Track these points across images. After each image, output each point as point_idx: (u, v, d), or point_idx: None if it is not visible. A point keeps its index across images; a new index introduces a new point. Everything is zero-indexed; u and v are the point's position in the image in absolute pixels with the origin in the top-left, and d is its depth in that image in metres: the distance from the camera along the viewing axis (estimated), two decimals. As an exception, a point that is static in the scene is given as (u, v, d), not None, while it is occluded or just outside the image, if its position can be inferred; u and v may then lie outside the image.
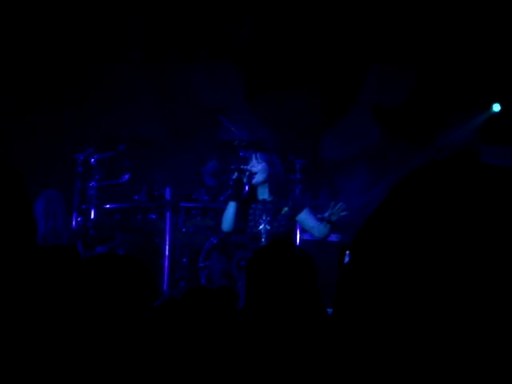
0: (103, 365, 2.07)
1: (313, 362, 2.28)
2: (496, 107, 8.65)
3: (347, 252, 0.89)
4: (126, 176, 7.59)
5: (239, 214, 6.15)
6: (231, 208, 6.07)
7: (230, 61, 8.87)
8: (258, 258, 2.86)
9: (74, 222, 7.42)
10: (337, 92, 9.15)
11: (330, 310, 5.50)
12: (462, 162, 0.85)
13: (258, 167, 6.03)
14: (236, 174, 6.08)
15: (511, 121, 8.59)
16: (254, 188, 6.10)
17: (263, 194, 6.10)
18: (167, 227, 7.58)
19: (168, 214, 7.59)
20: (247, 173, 6.01)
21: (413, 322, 0.79)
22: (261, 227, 6.04)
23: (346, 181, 9.36)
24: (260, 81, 9.05)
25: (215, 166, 8.18)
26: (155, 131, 8.67)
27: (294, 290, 2.72)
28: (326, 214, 5.87)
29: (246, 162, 6.13)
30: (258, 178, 6.03)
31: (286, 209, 6.01)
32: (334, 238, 7.86)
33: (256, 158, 6.07)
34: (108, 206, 7.71)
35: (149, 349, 2.26)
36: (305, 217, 6.01)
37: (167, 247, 7.58)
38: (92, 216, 7.52)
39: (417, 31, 8.76)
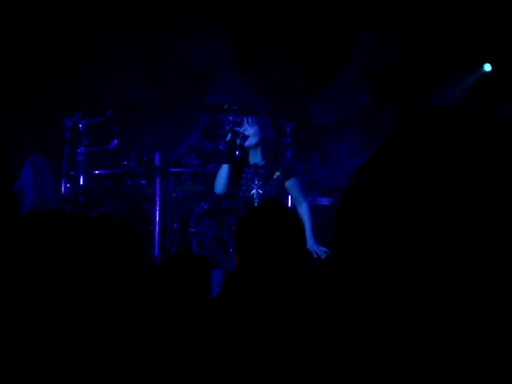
0: (90, 328, 2.04)
1: (305, 325, 2.27)
2: (487, 67, 8.61)
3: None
4: (115, 141, 7.52)
5: (231, 179, 6.10)
6: (224, 170, 6.02)
7: (217, 23, 8.78)
8: (247, 219, 2.83)
9: (63, 189, 7.37)
10: (326, 55, 9.08)
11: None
12: (454, 108, 0.83)
13: (250, 130, 5.97)
14: (229, 135, 6.03)
15: (502, 80, 8.55)
16: (245, 152, 6.04)
17: (255, 158, 6.03)
18: (157, 193, 7.53)
19: (158, 180, 7.53)
20: (240, 135, 5.95)
21: (409, 279, 0.75)
22: (253, 192, 6.00)
23: (336, 144, 9.33)
24: (248, 44, 8.96)
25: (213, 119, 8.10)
26: (143, 96, 8.60)
27: (284, 250, 2.70)
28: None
29: (238, 125, 6.07)
30: (250, 141, 5.97)
31: (277, 173, 5.96)
32: (325, 201, 7.85)
33: (248, 122, 6.00)
34: (97, 172, 7.65)
35: (134, 314, 2.23)
36: (292, 185, 5.93)
37: (157, 213, 7.54)
38: (81, 182, 7.46)
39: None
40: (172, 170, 7.66)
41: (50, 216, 2.50)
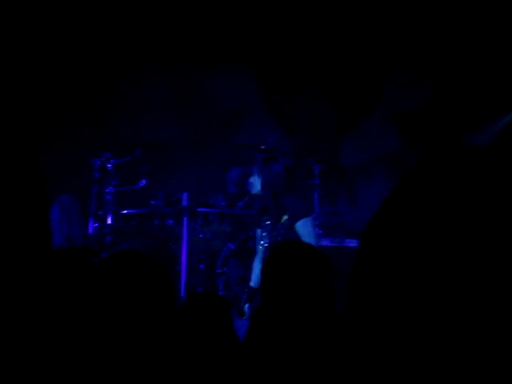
0: (115, 360, 2.03)
1: (324, 363, 2.24)
2: (517, 111, 8.58)
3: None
4: (143, 181, 7.55)
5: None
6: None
7: (247, 64, 8.84)
8: (273, 257, 2.81)
9: (90, 228, 7.39)
10: (355, 97, 9.09)
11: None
12: (469, 149, 0.82)
13: (253, 179, 6.00)
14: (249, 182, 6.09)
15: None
16: (254, 198, 6.12)
17: (266, 204, 5.98)
18: (184, 233, 7.53)
19: (185, 220, 7.54)
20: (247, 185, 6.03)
21: (425, 321, 0.74)
22: (264, 235, 5.94)
23: (364, 186, 9.30)
24: (277, 85, 9.01)
25: (240, 172, 8.14)
26: (172, 136, 8.65)
27: (309, 290, 2.67)
28: None
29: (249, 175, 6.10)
30: (252, 190, 6.01)
31: (285, 217, 5.88)
32: (353, 243, 7.80)
33: (255, 171, 6.03)
34: (125, 211, 7.67)
35: (161, 349, 2.22)
36: (302, 227, 5.78)
37: (184, 253, 7.53)
38: (109, 221, 7.48)
39: (434, 37, 8.70)
40: (199, 210, 7.67)
41: (79, 252, 2.51)
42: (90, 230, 7.38)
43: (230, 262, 7.71)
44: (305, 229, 5.79)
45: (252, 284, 6.04)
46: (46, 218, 1.08)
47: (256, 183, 5.97)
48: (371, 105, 9.19)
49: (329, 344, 2.40)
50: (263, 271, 2.80)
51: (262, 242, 5.86)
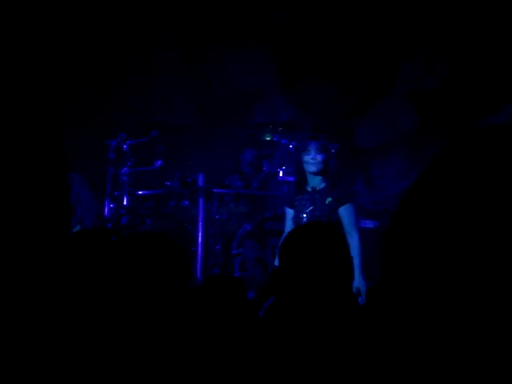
0: (134, 340, 2.04)
1: (340, 343, 2.23)
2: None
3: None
4: (159, 162, 7.54)
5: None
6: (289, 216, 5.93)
7: (263, 46, 8.80)
8: (292, 237, 2.80)
9: (106, 209, 7.39)
10: (372, 78, 9.03)
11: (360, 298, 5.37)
12: (504, 129, 0.80)
13: (318, 158, 5.82)
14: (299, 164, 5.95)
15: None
16: (304, 176, 5.93)
17: (314, 182, 5.86)
18: (200, 214, 7.53)
19: (201, 201, 7.54)
20: (309, 162, 5.83)
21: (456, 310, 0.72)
22: (303, 215, 5.86)
23: (381, 168, 9.25)
24: (294, 66, 8.96)
25: (254, 153, 8.11)
26: (188, 117, 8.63)
27: (326, 270, 2.65)
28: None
29: (305, 151, 5.90)
30: (317, 168, 5.83)
31: (329, 199, 5.81)
32: (369, 224, 7.77)
33: (317, 148, 5.85)
34: (140, 192, 7.67)
35: (177, 329, 2.22)
36: (344, 212, 5.72)
37: (200, 234, 7.53)
38: (125, 203, 7.48)
39: (452, 18, 8.62)
40: (215, 190, 7.66)
41: (97, 233, 2.51)
42: (106, 211, 7.39)
43: (245, 243, 7.71)
44: (348, 215, 5.74)
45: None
46: (66, 188, 1.07)
47: (320, 162, 5.80)
48: (388, 84, 9.13)
49: (345, 325, 2.39)
50: (280, 251, 2.79)
51: (303, 221, 5.77)
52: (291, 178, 7.63)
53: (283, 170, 7.87)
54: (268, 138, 8.06)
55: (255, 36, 8.78)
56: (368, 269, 5.66)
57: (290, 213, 5.93)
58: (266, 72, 8.87)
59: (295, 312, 2.53)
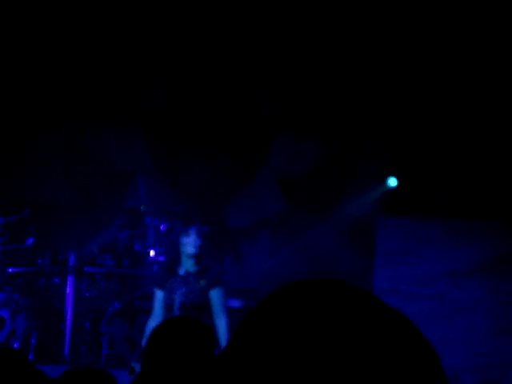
0: None
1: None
2: (392, 182, 9.03)
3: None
4: (31, 240, 7.58)
5: None
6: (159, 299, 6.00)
7: (138, 126, 8.99)
8: (157, 334, 2.93)
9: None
10: (243, 161, 9.35)
11: None
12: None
13: (197, 241, 5.96)
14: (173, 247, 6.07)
15: (406, 194, 8.98)
16: (179, 258, 6.06)
17: (188, 264, 6.00)
18: (70, 292, 7.59)
19: (70, 279, 7.60)
20: (187, 244, 5.98)
21: None
22: (175, 297, 5.93)
23: (249, 247, 9.56)
24: (169, 147, 9.18)
25: (127, 233, 8.18)
26: (62, 194, 8.67)
27: (190, 363, 2.80)
28: None
29: (185, 234, 6.02)
30: (193, 251, 5.94)
31: (202, 281, 5.94)
32: (235, 303, 7.99)
33: (194, 232, 5.99)
34: (10, 269, 7.65)
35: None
36: (216, 295, 5.89)
37: (70, 312, 7.57)
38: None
39: (320, 107, 9.10)
40: (87, 269, 7.74)
41: None
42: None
43: (115, 321, 7.77)
44: (217, 297, 5.91)
45: (144, 344, 6.06)
46: None
47: (196, 245, 5.92)
48: (259, 168, 9.47)
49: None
50: (146, 346, 2.91)
51: (177, 302, 5.85)
52: (162, 258, 7.83)
53: (155, 250, 8.06)
54: (140, 218, 8.24)
55: (131, 115, 8.94)
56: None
57: (159, 294, 5.98)
58: (142, 153, 9.05)
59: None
